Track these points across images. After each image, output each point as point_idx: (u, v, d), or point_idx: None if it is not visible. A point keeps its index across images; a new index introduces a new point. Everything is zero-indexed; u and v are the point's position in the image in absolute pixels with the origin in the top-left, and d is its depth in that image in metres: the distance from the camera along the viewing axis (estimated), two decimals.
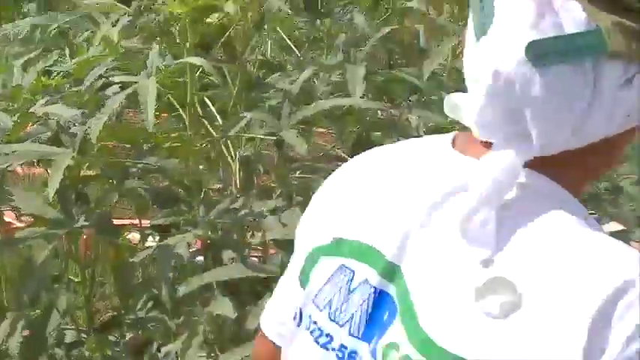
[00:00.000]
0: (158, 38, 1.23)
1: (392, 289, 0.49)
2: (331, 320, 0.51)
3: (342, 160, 1.48)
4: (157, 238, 1.38)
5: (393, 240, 0.50)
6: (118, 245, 1.31)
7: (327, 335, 0.52)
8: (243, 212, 1.19)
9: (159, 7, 1.22)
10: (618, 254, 0.45)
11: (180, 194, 1.34)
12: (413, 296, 0.48)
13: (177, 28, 1.21)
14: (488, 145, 0.47)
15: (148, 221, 1.38)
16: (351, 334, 0.50)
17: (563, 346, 0.42)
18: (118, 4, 1.24)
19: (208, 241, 1.23)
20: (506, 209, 0.46)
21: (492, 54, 0.45)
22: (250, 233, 1.30)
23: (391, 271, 0.49)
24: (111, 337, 1.29)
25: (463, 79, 0.50)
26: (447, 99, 0.51)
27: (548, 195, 0.47)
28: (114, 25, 1.23)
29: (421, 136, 1.27)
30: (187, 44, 1.22)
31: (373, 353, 0.49)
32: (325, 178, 0.61)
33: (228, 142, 1.34)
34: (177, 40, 1.23)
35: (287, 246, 1.13)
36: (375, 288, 0.49)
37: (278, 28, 1.36)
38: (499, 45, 0.45)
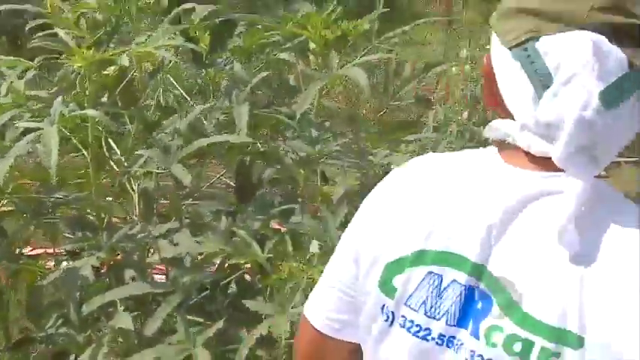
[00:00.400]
0: (59, 88, 1.42)
1: (482, 284, 0.60)
2: (428, 317, 0.62)
3: (229, 187, 1.73)
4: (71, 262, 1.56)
5: (474, 245, 0.60)
6: (31, 271, 1.48)
7: (426, 329, 0.62)
8: (141, 236, 1.39)
9: (61, 62, 1.42)
10: None
11: (88, 223, 1.52)
12: (508, 288, 0.58)
13: (78, 79, 1.41)
14: (532, 157, 0.60)
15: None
16: (448, 324, 0.61)
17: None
18: (22, 59, 1.42)
19: (111, 263, 1.42)
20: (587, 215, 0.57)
21: (569, 104, 0.56)
22: (152, 253, 1.50)
23: (478, 271, 0.60)
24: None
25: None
26: (491, 124, 0.63)
27: (610, 196, 0.62)
28: (20, 78, 1.41)
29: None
30: (87, 93, 1.41)
31: (475, 335, 0.60)
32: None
33: (130, 176, 1.54)
34: (79, 90, 1.42)
35: (179, 263, 1.35)
36: (464, 286, 0.60)
37: (170, 77, 1.59)
38: (574, 96, 0.55)
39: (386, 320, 0.65)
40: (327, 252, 1.01)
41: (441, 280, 0.62)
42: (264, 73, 1.54)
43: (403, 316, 0.64)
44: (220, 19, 1.55)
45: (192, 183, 1.41)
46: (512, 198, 0.60)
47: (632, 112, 0.60)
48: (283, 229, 1.26)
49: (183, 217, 1.40)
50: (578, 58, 0.57)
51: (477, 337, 0.60)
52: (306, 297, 0.79)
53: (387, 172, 0.76)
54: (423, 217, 0.64)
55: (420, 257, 0.63)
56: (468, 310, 0.61)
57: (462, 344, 0.61)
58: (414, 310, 0.63)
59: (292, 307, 1.03)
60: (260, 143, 1.55)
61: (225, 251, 1.08)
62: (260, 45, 1.62)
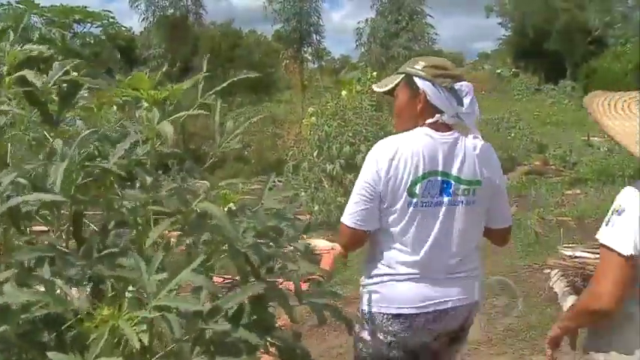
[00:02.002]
0: None
1: (447, 178, 2.04)
2: (429, 195, 2.02)
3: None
4: None
5: (440, 165, 2.02)
6: None
7: (430, 202, 2.03)
8: None
9: None
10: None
11: None
12: (456, 175, 2.05)
13: None
14: (445, 128, 2.08)
15: None
16: (438, 196, 2.03)
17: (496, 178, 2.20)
18: None
19: None
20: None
21: (472, 107, 2.12)
22: None
23: (445, 174, 2.03)
24: None
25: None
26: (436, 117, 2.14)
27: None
28: None
29: None
30: None
31: (453, 194, 2.05)
32: None
33: None
34: None
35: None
36: (440, 180, 2.03)
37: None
38: (472, 105, 2.12)
39: (414, 206, 2.03)
40: (139, 298, 1.14)
41: (435, 181, 2.02)
42: (95, 129, 1.66)
43: (422, 202, 2.03)
44: (66, 80, 1.66)
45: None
46: (448, 143, 2.04)
47: (474, 115, 2.14)
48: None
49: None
50: (468, 87, 2.08)
51: (451, 195, 2.05)
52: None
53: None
54: (415, 159, 1.99)
55: (422, 176, 1.99)
56: (444, 189, 2.04)
57: (443, 202, 2.05)
58: (422, 196, 2.01)
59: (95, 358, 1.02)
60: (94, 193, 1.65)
61: (43, 300, 1.08)
62: (104, 103, 1.76)
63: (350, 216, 2.07)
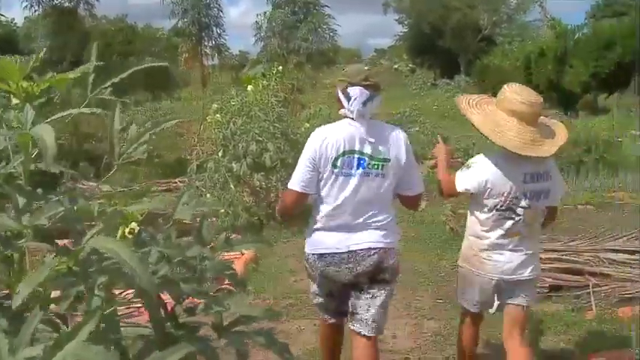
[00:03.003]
0: None
1: (362, 156, 2.78)
2: (348, 167, 2.77)
3: None
4: None
5: (358, 145, 2.77)
6: None
7: (348, 173, 2.77)
8: None
9: None
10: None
11: None
12: (369, 153, 2.79)
13: None
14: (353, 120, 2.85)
15: None
16: (355, 168, 2.77)
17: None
18: None
19: None
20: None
21: (356, 105, 2.81)
22: None
23: (360, 152, 2.76)
24: None
25: None
26: (340, 113, 2.93)
27: (376, 122, 2.97)
28: None
29: None
30: None
31: (366, 167, 2.78)
32: None
33: None
34: None
35: None
36: (357, 157, 2.77)
37: None
38: (357, 103, 2.81)
39: (336, 175, 2.78)
40: None
41: (352, 157, 2.77)
42: None
43: (341, 172, 2.77)
44: None
45: None
46: (361, 128, 2.78)
47: (371, 106, 2.82)
48: None
49: None
50: (356, 92, 2.78)
51: (365, 168, 2.79)
52: None
53: None
54: (339, 140, 2.77)
55: (343, 153, 2.76)
56: (359, 163, 2.78)
57: (359, 173, 2.79)
58: (343, 168, 2.77)
59: None
60: None
61: None
62: None
63: (298, 183, 2.85)
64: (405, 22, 44.91)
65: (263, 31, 13.45)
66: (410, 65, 47.54)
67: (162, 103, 18.26)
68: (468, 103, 2.99)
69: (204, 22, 17.69)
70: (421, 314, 4.63)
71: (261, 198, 7.75)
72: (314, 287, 3.06)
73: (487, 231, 2.97)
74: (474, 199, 3.01)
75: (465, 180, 2.96)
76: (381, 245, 2.81)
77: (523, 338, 3.05)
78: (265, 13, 13.46)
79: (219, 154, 7.75)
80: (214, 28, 18.13)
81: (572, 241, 5.51)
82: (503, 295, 3.04)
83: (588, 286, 4.46)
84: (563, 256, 4.91)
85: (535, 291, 3.23)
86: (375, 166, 2.79)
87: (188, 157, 8.26)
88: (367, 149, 2.78)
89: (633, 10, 28.92)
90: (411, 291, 5.08)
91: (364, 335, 2.87)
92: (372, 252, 2.79)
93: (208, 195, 7.89)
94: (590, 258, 4.86)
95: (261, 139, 7.47)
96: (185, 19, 17.72)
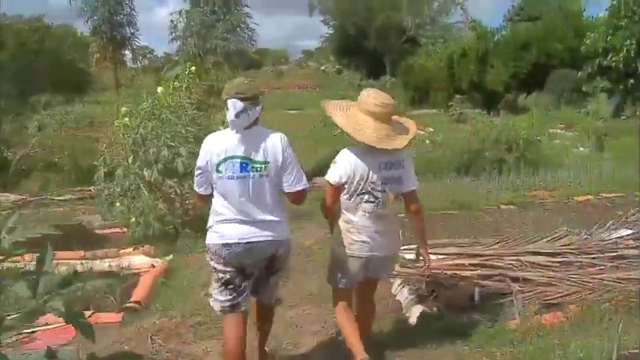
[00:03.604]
0: None
1: (245, 160, 3.16)
2: (231, 171, 3.16)
3: None
4: None
5: (241, 150, 3.15)
6: None
7: (232, 176, 3.16)
8: None
9: None
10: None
11: None
12: (251, 157, 3.17)
13: None
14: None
15: None
16: (239, 172, 3.16)
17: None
18: None
19: None
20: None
21: (231, 115, 3.18)
22: None
23: (244, 157, 3.16)
24: None
25: None
26: (229, 122, 3.28)
27: (257, 128, 3.27)
28: None
29: None
30: None
31: (249, 170, 3.17)
32: None
33: None
34: None
35: None
36: (240, 162, 3.16)
37: None
38: (231, 113, 3.17)
39: (221, 178, 3.19)
40: None
41: (234, 162, 3.15)
42: None
43: (224, 176, 3.17)
44: None
45: None
46: (238, 136, 3.16)
47: (247, 116, 3.13)
48: None
49: None
50: (230, 104, 3.10)
51: (247, 171, 3.16)
52: None
53: None
54: (221, 148, 3.16)
55: (225, 158, 3.15)
56: (242, 167, 3.15)
57: (242, 175, 3.16)
58: (227, 172, 3.16)
59: None
60: None
61: None
62: None
63: (196, 183, 3.35)
64: (331, 24, 44.97)
65: (179, 30, 12.79)
66: (337, 66, 47.64)
67: (75, 106, 17.25)
68: (334, 107, 3.56)
69: (117, 21, 16.84)
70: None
71: (175, 206, 7.28)
72: (215, 286, 3.37)
73: (353, 214, 3.49)
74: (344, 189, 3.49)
75: (335, 173, 3.44)
76: (274, 238, 3.25)
77: (372, 297, 3.84)
78: (181, 11, 12.83)
79: (129, 160, 7.22)
80: (127, 27, 17.30)
81: (496, 243, 5.36)
82: (367, 271, 3.59)
83: (511, 293, 4.28)
84: (486, 262, 4.73)
85: (393, 267, 4.02)
86: (257, 169, 3.18)
87: (95, 164, 7.64)
88: (249, 154, 3.18)
89: (546, 15, 29.99)
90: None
91: (264, 304, 3.56)
92: (267, 244, 3.24)
93: (118, 204, 7.36)
94: (513, 262, 4.70)
95: (173, 144, 6.99)
96: (95, 17, 16.76)
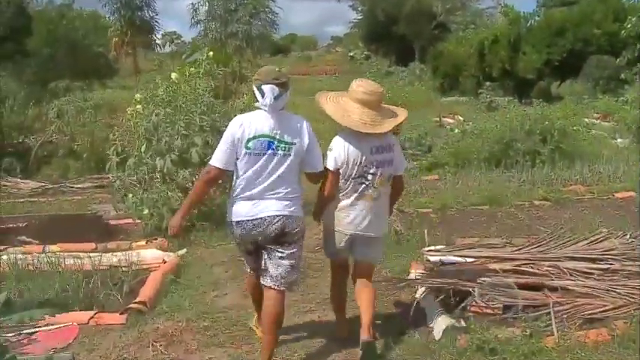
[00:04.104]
0: None
1: (272, 139, 3.42)
2: (259, 149, 3.41)
3: None
4: None
5: (269, 130, 3.41)
6: None
7: (259, 153, 3.41)
8: None
9: None
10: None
11: None
12: (280, 137, 3.43)
13: None
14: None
15: None
16: (265, 149, 3.41)
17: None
18: None
19: None
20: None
21: (267, 99, 3.46)
22: None
23: (271, 136, 3.41)
24: None
25: None
26: (257, 105, 3.56)
27: (285, 113, 3.56)
28: None
29: None
30: None
31: (275, 149, 3.42)
32: None
33: None
34: None
35: None
36: (267, 140, 3.41)
37: None
38: (267, 98, 3.47)
39: (248, 154, 3.41)
40: None
41: (262, 141, 3.40)
42: None
43: (253, 152, 3.41)
44: None
45: None
46: (271, 118, 3.43)
47: (281, 101, 3.45)
48: None
49: None
50: (268, 89, 3.40)
51: (273, 149, 3.42)
52: None
53: None
54: (252, 126, 3.42)
55: (254, 137, 3.40)
56: (269, 145, 3.41)
57: (268, 153, 3.41)
58: (255, 149, 3.40)
59: None
60: None
61: None
62: None
63: (216, 158, 3.48)
64: (359, 9, 44.32)
65: (200, 14, 12.37)
66: (365, 53, 47.01)
67: (97, 92, 16.99)
68: (326, 98, 3.81)
69: (134, 3, 16.50)
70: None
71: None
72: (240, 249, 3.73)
73: (345, 195, 3.70)
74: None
75: (332, 160, 3.65)
76: (285, 213, 3.45)
77: (369, 282, 3.85)
78: None
79: (142, 149, 6.91)
80: (146, 10, 16.97)
81: (530, 245, 4.90)
82: (356, 249, 3.81)
83: (548, 304, 3.84)
84: (520, 268, 4.29)
85: (381, 248, 4.07)
86: (283, 148, 3.43)
87: (107, 153, 7.35)
88: (276, 134, 3.43)
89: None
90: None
91: (273, 289, 3.55)
92: (277, 219, 3.43)
93: (130, 195, 7.07)
94: (550, 269, 4.25)
95: (187, 132, 6.66)
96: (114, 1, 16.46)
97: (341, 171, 3.63)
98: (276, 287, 3.51)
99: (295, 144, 3.45)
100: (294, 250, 3.52)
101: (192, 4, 12.32)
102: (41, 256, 6.61)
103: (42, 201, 10.50)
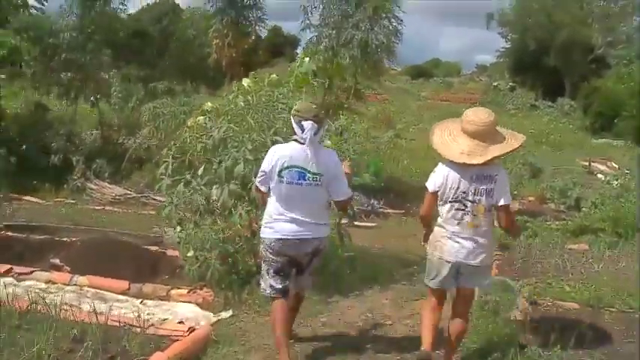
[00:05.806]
0: None
1: (304, 170, 3.86)
2: (291, 178, 3.86)
3: None
4: None
5: (303, 162, 3.85)
6: None
7: (291, 182, 3.86)
8: None
9: None
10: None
11: None
12: (311, 169, 3.86)
13: None
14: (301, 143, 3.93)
15: None
16: (297, 179, 3.86)
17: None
18: None
19: None
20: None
21: (307, 134, 3.89)
22: None
23: (303, 168, 3.85)
24: None
25: None
26: (296, 138, 3.98)
27: (320, 147, 4.11)
28: None
29: None
30: None
31: (306, 179, 3.87)
32: None
33: None
34: None
35: None
36: (299, 171, 3.86)
37: None
38: (308, 133, 3.89)
39: (280, 182, 3.88)
40: None
41: (295, 171, 3.85)
42: None
43: (284, 181, 3.87)
44: None
45: None
46: (307, 150, 3.83)
47: (318, 135, 3.93)
48: None
49: None
50: (309, 125, 3.82)
51: (304, 179, 3.87)
52: None
53: None
54: (286, 157, 3.87)
55: (286, 167, 3.85)
56: (301, 175, 3.86)
57: (301, 183, 3.87)
58: (289, 179, 3.86)
59: None
60: None
61: None
62: None
63: (258, 181, 4.04)
64: (509, 37, 41.45)
65: (313, 17, 10.86)
66: (510, 83, 44.08)
67: (196, 96, 16.11)
68: (439, 128, 3.96)
69: (240, 2, 15.43)
70: None
71: (246, 240, 5.37)
72: (268, 273, 4.08)
73: (445, 221, 3.83)
74: (439, 197, 3.84)
75: (432, 182, 3.84)
76: (319, 235, 3.98)
77: (466, 312, 3.97)
78: None
79: (200, 172, 5.44)
80: (253, 10, 15.82)
81: None
82: (459, 277, 3.86)
83: None
84: None
85: (485, 279, 3.99)
86: (313, 178, 3.88)
87: (157, 171, 5.95)
88: (308, 166, 3.85)
89: None
90: None
91: (303, 288, 4.31)
92: (312, 240, 3.96)
93: (178, 229, 5.61)
94: None
95: (251, 157, 5.09)
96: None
97: (442, 195, 3.80)
98: (306, 286, 4.29)
99: (323, 175, 3.89)
100: (318, 263, 4.21)
101: (302, 6, 10.83)
102: (66, 288, 5.46)
103: (117, 211, 9.56)
